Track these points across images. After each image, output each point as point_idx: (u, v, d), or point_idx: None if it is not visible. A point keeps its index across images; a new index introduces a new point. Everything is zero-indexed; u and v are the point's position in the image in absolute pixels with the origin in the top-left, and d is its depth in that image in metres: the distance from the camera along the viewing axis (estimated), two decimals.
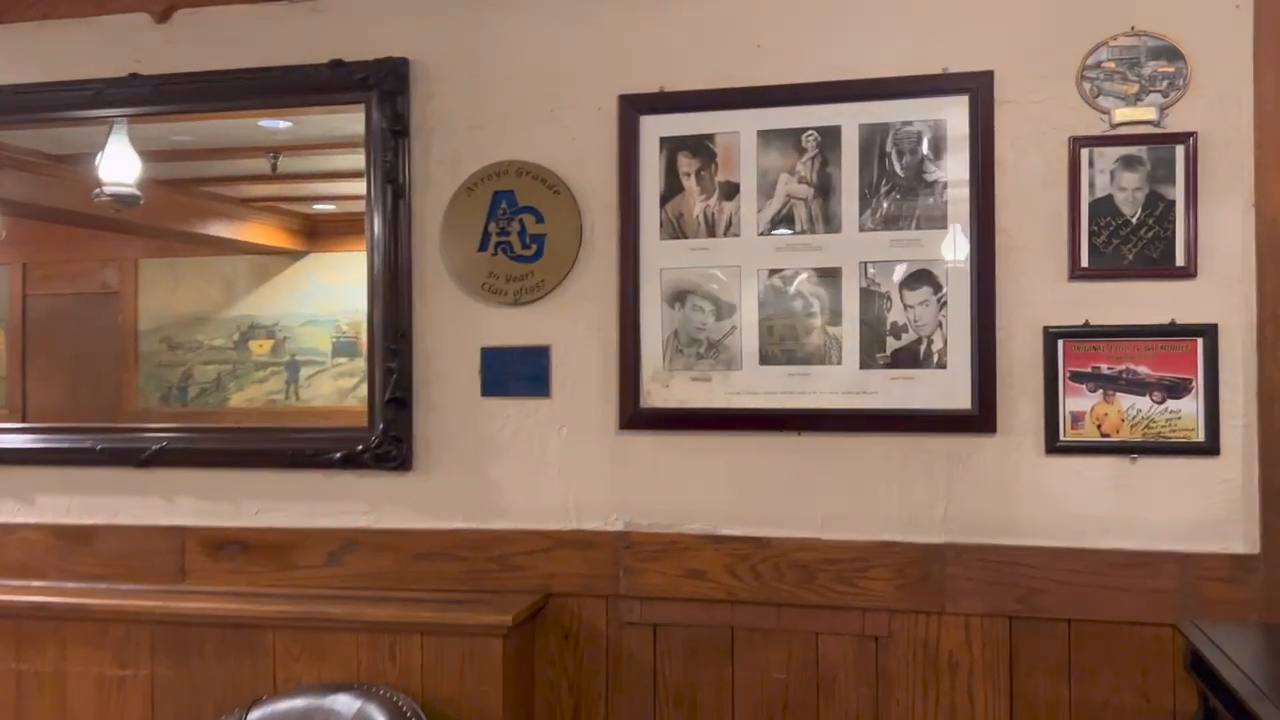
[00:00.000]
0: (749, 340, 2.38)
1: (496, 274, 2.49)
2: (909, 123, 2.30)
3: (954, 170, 2.28)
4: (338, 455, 2.55)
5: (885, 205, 2.32)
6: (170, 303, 6.14)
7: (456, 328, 2.53)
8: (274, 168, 4.33)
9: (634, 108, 2.43)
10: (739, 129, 2.39)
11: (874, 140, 2.32)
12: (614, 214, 2.45)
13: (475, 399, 2.51)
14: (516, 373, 2.49)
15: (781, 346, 2.36)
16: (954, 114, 2.28)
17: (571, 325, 2.47)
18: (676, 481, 2.41)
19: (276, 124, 3.45)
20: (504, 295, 2.49)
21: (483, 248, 2.50)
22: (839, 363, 2.33)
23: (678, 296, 2.42)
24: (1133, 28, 2.20)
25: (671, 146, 2.42)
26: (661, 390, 2.43)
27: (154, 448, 2.64)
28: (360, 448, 2.54)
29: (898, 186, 2.31)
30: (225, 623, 2.43)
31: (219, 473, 2.63)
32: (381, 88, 2.51)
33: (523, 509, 2.48)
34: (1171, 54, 2.18)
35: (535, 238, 2.47)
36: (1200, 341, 2.17)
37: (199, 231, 5.29)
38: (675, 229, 2.42)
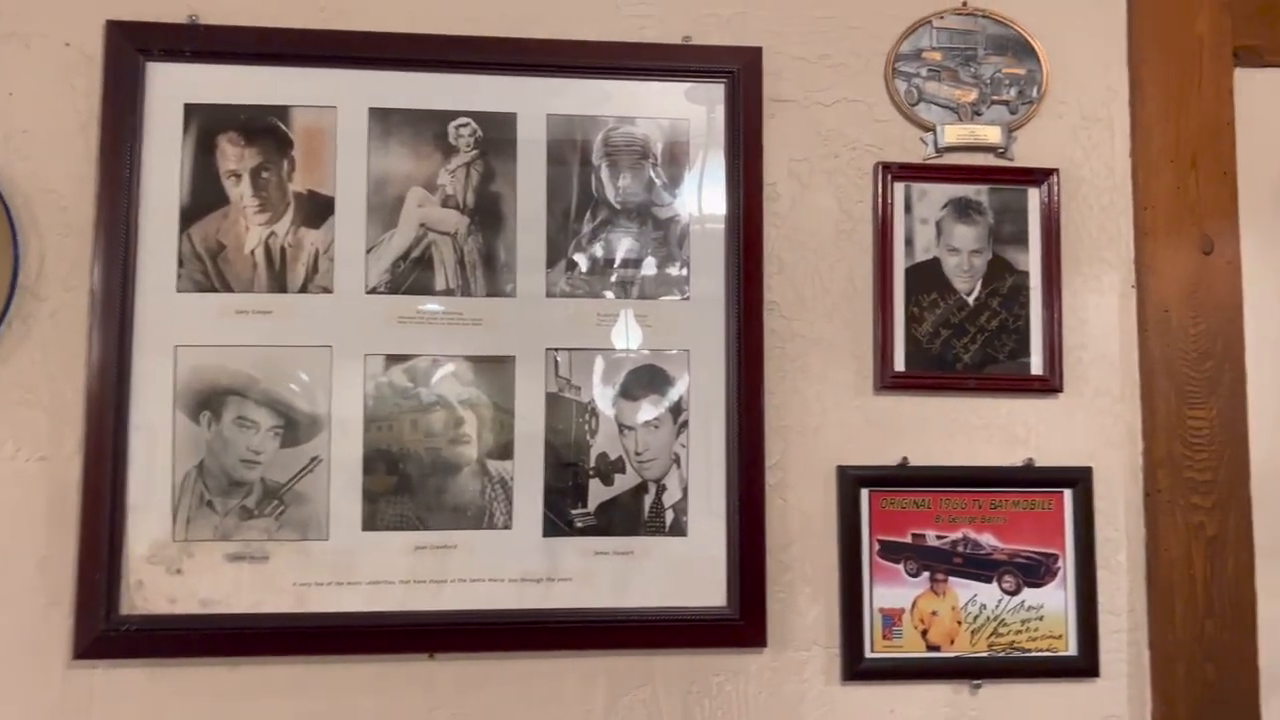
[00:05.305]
0: (345, 485, 1.29)
1: None
2: (630, 119, 1.37)
3: (703, 203, 1.37)
4: None
5: (590, 254, 1.35)
6: None
7: None
8: None
9: (135, 46, 1.30)
10: (337, 102, 1.33)
11: (573, 143, 1.36)
12: (87, 238, 1.29)
13: None
14: None
15: (405, 496, 1.30)
16: (702, 112, 1.38)
17: None
18: None
19: None
20: None
21: None
22: (507, 526, 1.31)
23: (208, 400, 1.29)
24: (965, 2, 1.43)
25: (208, 122, 1.31)
26: (166, 581, 1.27)
27: None
28: None
29: (612, 223, 1.36)
30: None
31: None
32: None
33: None
34: (1020, 47, 1.42)
35: None
36: (1068, 495, 1.38)
37: None
38: (210, 274, 1.30)
